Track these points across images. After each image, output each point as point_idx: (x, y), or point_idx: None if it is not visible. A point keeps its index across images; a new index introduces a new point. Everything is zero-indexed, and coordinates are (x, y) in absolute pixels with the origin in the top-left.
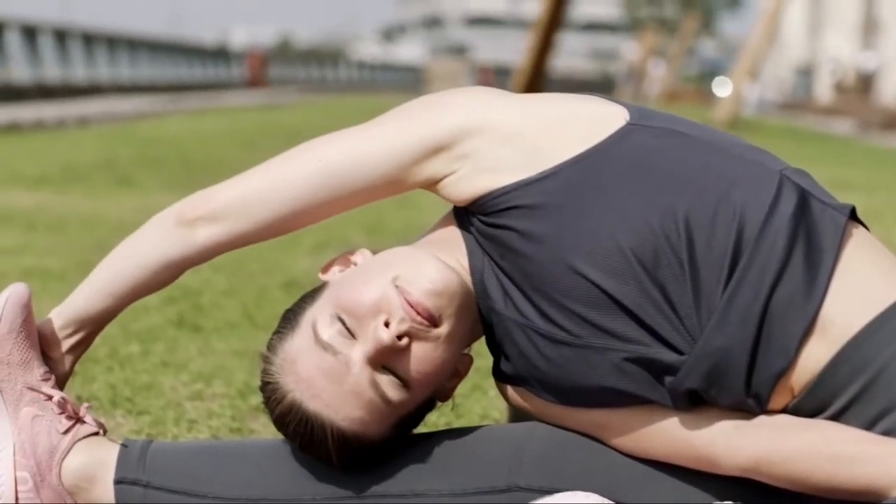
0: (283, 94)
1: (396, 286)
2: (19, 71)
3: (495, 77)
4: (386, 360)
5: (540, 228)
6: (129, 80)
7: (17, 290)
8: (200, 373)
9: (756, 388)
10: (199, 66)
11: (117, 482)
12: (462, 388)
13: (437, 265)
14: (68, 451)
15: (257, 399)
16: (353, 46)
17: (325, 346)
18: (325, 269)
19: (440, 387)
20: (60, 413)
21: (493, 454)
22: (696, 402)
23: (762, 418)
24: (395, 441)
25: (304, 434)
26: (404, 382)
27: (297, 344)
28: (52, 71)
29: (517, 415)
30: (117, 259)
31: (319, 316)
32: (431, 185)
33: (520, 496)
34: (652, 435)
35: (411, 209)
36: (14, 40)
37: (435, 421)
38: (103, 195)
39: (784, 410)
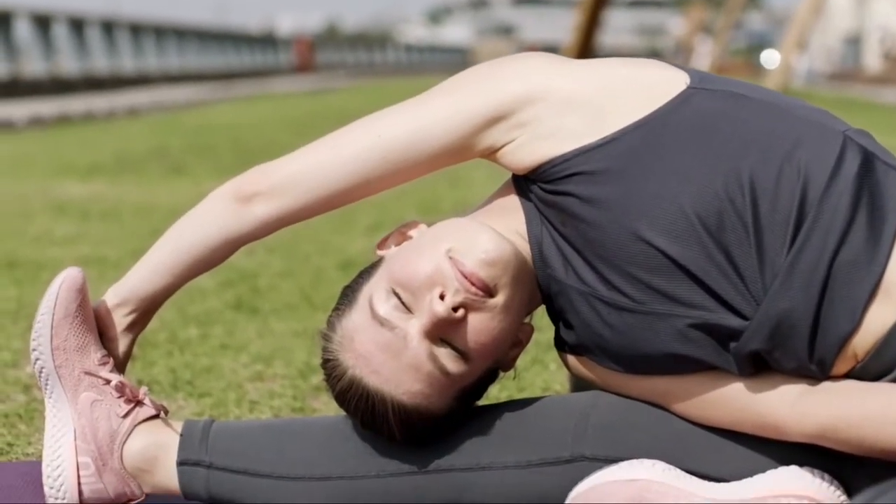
0: (331, 79)
1: (450, 258)
2: (68, 63)
3: None
4: (443, 332)
5: (602, 194)
6: (178, 70)
7: (71, 275)
8: (260, 354)
9: (820, 353)
10: (247, 54)
11: (180, 463)
12: (522, 362)
13: (490, 235)
14: (129, 435)
15: (318, 378)
16: (399, 29)
17: (381, 322)
18: (381, 245)
19: (501, 357)
20: (119, 397)
21: (557, 425)
22: (761, 369)
23: (828, 384)
24: (459, 414)
25: (365, 410)
26: (462, 354)
27: (355, 320)
28: (100, 62)
29: (579, 385)
30: (174, 235)
31: (375, 291)
32: (491, 153)
33: (585, 466)
34: (716, 402)
35: (465, 187)
36: (62, 33)
37: (496, 395)
38: (156, 183)
39: (848, 375)
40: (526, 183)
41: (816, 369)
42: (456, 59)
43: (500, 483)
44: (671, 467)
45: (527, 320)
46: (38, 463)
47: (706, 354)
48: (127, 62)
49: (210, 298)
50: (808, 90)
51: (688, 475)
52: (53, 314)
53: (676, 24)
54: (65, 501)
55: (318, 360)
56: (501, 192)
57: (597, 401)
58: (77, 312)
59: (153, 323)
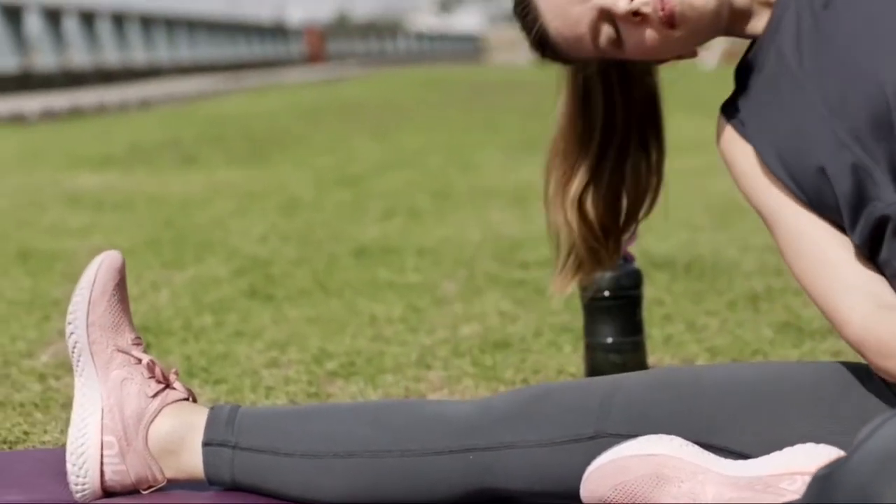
0: (342, 69)
1: None
2: (79, 56)
3: None
4: (614, 20)
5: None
6: (189, 61)
7: (111, 255)
8: (275, 340)
9: None
10: (258, 45)
11: (205, 444)
12: (537, 344)
13: None
14: (157, 415)
15: (333, 364)
16: (410, 18)
17: None
18: None
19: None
20: (150, 377)
21: (582, 403)
22: (872, 259)
23: None
24: None
25: (520, 14)
26: (619, 45)
27: None
28: (111, 55)
29: (595, 370)
30: None
31: None
32: None
33: (607, 442)
34: (812, 258)
35: (475, 173)
36: (72, 26)
37: (512, 377)
38: (169, 173)
39: None
40: None
41: None
42: (468, 48)
43: (523, 461)
44: (689, 443)
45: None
46: (55, 451)
47: (843, 193)
48: (138, 55)
49: (224, 286)
50: None
51: (706, 451)
52: (92, 290)
53: None
54: (86, 483)
55: (333, 346)
56: None
57: (621, 382)
58: (115, 291)
59: (168, 311)
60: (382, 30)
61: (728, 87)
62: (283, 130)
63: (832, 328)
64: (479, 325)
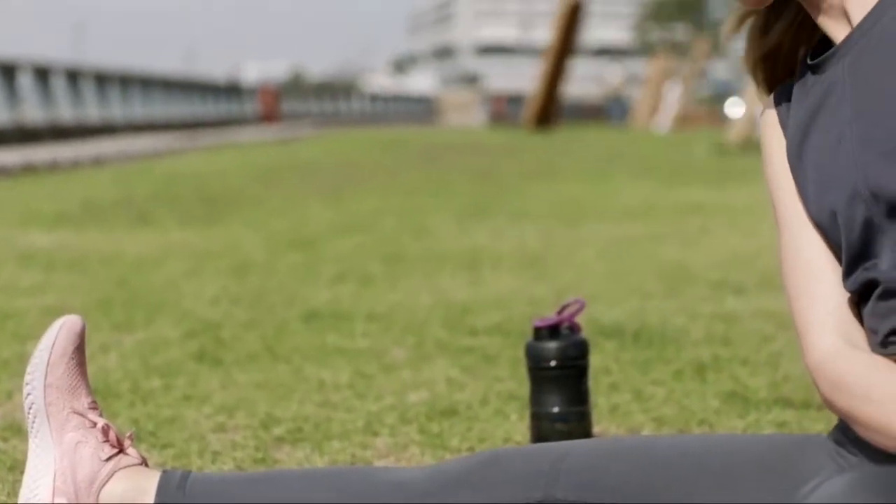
0: (296, 129)
1: None
2: (33, 112)
3: (508, 105)
4: None
5: None
6: (144, 119)
7: (71, 319)
8: (223, 405)
9: None
10: (213, 103)
11: None
12: (484, 412)
13: None
14: (109, 479)
15: (280, 430)
16: (365, 78)
17: None
18: None
19: None
20: (104, 441)
21: (531, 469)
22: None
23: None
24: None
25: None
26: None
27: None
28: (65, 111)
29: (540, 437)
30: None
31: None
32: None
33: None
34: (802, 274)
35: (427, 237)
36: (26, 82)
37: (458, 445)
38: (122, 232)
39: None
40: None
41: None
42: (421, 109)
43: None
44: None
45: None
46: None
47: (849, 243)
48: (92, 111)
49: (173, 349)
50: None
51: None
52: (51, 352)
53: (612, 73)
54: None
55: (280, 412)
56: None
57: (570, 448)
58: (74, 355)
59: (116, 373)
60: (337, 90)
61: (679, 152)
62: (238, 190)
63: (798, 349)
64: (427, 392)
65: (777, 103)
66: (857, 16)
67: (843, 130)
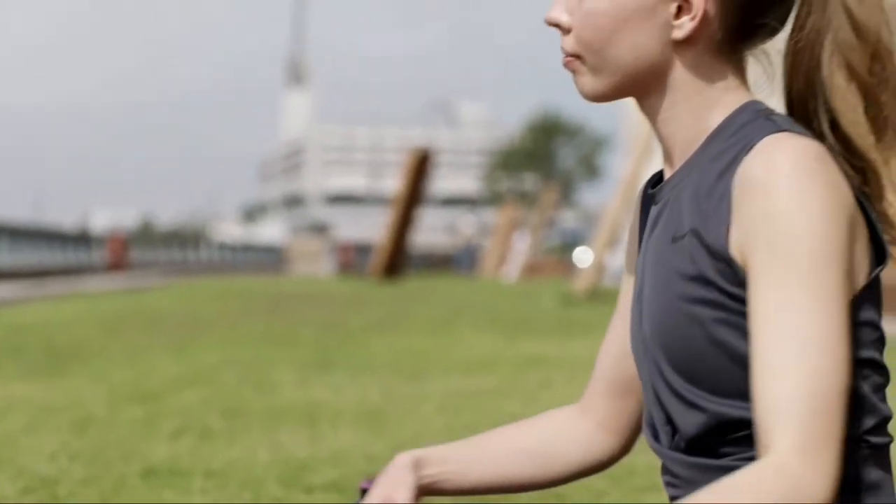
0: (144, 278)
1: None
2: None
3: (356, 254)
4: None
5: None
6: None
7: None
8: None
9: None
10: (60, 251)
11: None
12: None
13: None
14: None
15: None
16: (214, 226)
17: None
18: None
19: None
20: None
21: None
22: None
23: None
24: None
25: None
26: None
27: None
28: None
29: None
30: None
31: None
32: None
33: None
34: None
35: (269, 391)
36: None
37: None
38: None
39: None
40: None
41: None
42: (271, 258)
43: None
44: None
45: None
46: None
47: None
48: None
49: None
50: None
51: None
52: None
53: (466, 223)
54: None
55: None
56: None
57: None
58: None
59: None
60: (186, 238)
61: (525, 303)
62: (83, 342)
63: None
64: None
65: (648, 189)
66: (677, 161)
67: (643, 278)
